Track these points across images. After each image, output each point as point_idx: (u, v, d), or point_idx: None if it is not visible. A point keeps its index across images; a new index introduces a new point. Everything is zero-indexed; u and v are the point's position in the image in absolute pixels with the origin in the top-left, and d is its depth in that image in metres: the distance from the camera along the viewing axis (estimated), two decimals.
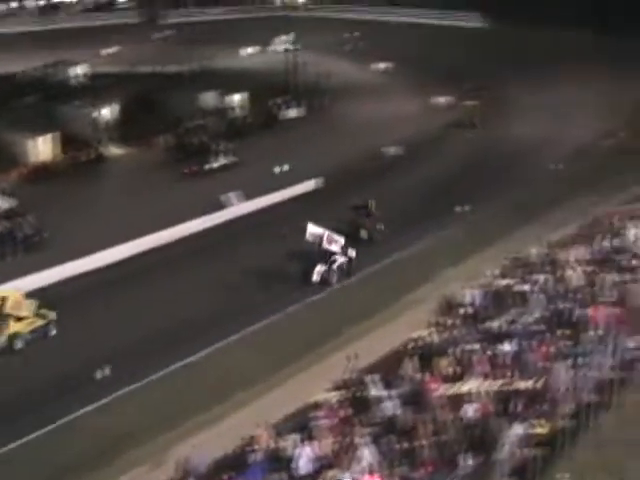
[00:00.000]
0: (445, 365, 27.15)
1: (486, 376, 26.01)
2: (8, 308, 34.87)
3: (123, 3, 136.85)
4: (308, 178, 54.99)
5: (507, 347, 27.48)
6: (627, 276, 30.81)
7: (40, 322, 35.42)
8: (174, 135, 64.27)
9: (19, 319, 34.90)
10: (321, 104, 78.26)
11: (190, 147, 61.39)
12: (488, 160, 60.10)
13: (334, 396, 25.97)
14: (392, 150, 61.75)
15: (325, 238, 40.45)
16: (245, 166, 58.69)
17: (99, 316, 36.31)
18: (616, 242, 36.29)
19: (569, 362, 25.41)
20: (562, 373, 24.57)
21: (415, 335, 30.92)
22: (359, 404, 24.92)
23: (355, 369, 27.67)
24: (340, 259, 40.65)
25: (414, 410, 23.66)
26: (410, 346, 29.65)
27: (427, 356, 28.42)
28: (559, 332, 27.82)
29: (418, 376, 26.41)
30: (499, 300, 33.07)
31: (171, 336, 33.66)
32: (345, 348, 30.93)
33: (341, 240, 41.21)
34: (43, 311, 35.78)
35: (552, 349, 26.43)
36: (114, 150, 63.94)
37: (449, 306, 33.30)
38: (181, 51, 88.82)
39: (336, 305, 35.50)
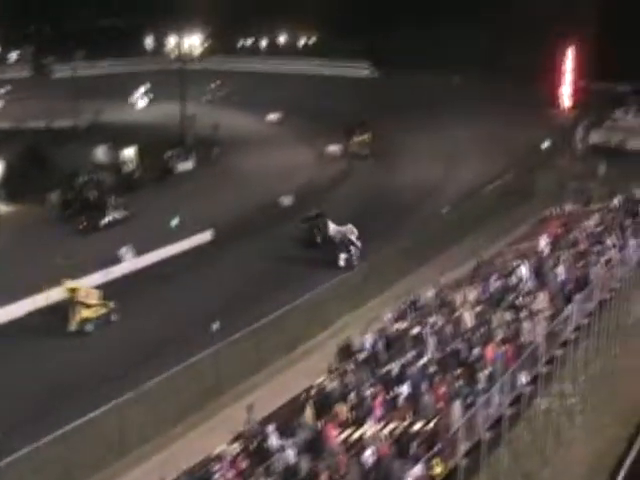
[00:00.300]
0: (344, 411, 27.29)
1: (385, 419, 26.31)
2: (79, 297, 41.81)
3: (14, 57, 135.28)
4: (204, 230, 54.91)
5: (404, 389, 27.85)
6: (518, 314, 31.51)
7: (104, 310, 42.36)
8: (67, 190, 63.25)
9: (88, 306, 41.77)
10: (217, 156, 78.36)
11: (84, 202, 60.50)
12: (380, 205, 61.21)
13: (234, 448, 25.84)
14: (287, 200, 62.13)
15: (348, 230, 51.28)
16: (140, 220, 58.23)
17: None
18: (507, 281, 37.12)
19: (464, 401, 25.92)
20: (458, 412, 25.01)
21: (314, 382, 31.04)
22: (259, 454, 24.84)
23: (254, 419, 27.60)
24: (354, 248, 50.21)
25: (314, 457, 23.70)
26: (309, 393, 29.68)
27: (327, 403, 28.55)
28: (454, 372, 28.31)
29: (318, 423, 26.54)
30: (396, 343, 33.55)
31: (65, 394, 33.71)
32: (245, 397, 31.02)
33: (356, 231, 51.13)
34: (105, 301, 42.55)
35: (448, 389, 26.88)
36: (4, 208, 62.64)
37: (347, 352, 33.49)
38: (72, 105, 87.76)
39: (236, 354, 35.30)
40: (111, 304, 42.62)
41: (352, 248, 50.48)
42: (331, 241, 51.73)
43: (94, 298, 42.61)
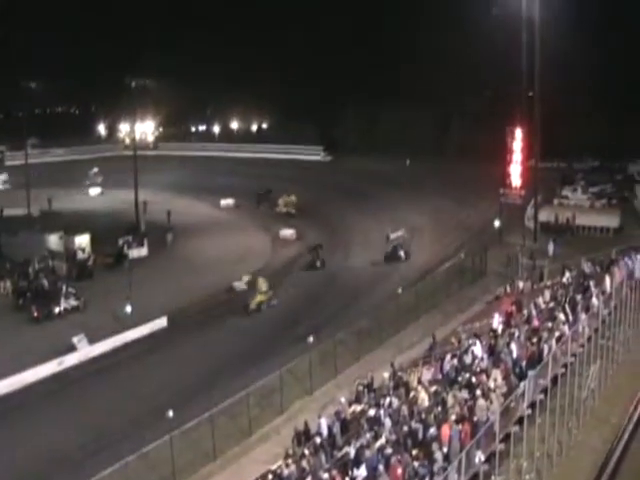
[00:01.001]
0: None
1: None
2: (257, 285, 57.72)
3: None
4: (160, 316, 54.54)
5: (362, 472, 27.75)
6: (473, 392, 31.63)
7: (269, 295, 57.47)
8: (20, 278, 62.66)
9: (262, 293, 57.09)
10: (171, 241, 78.30)
11: (38, 291, 59.89)
12: (334, 288, 61.62)
13: None
14: (243, 285, 62.14)
15: (402, 234, 70.89)
16: (95, 307, 57.69)
17: None
18: (462, 360, 37.28)
19: None
20: None
21: (272, 467, 30.80)
22: None
23: None
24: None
25: None
26: (267, 479, 29.43)
27: None
28: (411, 453, 28.29)
29: None
30: (353, 425, 33.53)
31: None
32: None
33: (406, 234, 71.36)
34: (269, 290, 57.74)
35: (405, 470, 26.82)
36: None
37: (304, 436, 33.34)
38: (26, 193, 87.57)
39: (191, 441, 34.87)
40: (271, 291, 57.58)
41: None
42: (392, 244, 69.39)
43: (265, 287, 57.39)
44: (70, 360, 48.38)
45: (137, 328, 52.80)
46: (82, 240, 69.10)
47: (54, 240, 69.71)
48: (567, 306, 40.07)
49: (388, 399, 34.23)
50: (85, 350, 49.44)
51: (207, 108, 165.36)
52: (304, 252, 69.92)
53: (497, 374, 32.70)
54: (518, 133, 69.47)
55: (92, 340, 49.96)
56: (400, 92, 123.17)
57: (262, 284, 57.50)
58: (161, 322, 54.48)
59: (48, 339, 51.13)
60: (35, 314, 55.58)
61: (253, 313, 56.11)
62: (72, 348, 49.18)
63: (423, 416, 30.91)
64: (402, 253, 68.62)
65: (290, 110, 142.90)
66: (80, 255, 68.06)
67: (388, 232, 71.12)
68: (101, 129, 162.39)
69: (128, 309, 54.44)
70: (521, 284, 54.42)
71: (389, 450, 28.34)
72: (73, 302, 57.77)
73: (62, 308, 56.99)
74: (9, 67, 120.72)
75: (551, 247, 61.83)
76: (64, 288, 58.46)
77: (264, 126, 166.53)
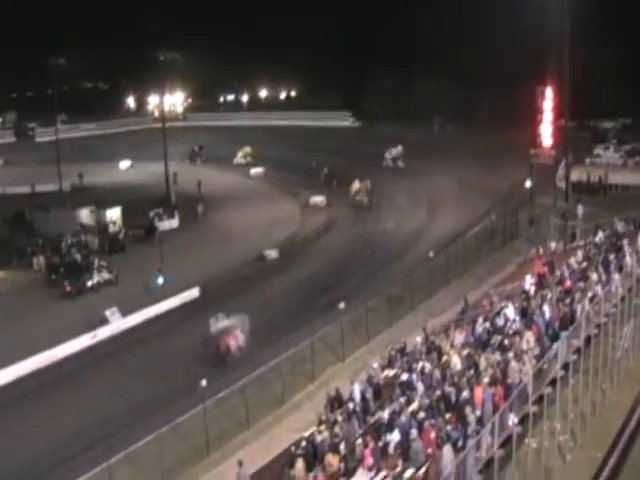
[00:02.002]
0: (336, 461, 27.17)
1: (376, 468, 26.19)
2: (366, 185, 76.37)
3: None
4: (191, 287, 54.71)
5: (394, 437, 27.74)
6: (506, 354, 31.46)
7: None
8: (53, 254, 63.00)
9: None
10: (202, 212, 78.34)
11: (70, 265, 60.20)
12: (366, 252, 61.61)
13: None
14: (273, 253, 62.20)
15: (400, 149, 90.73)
16: (127, 280, 57.95)
17: None
18: (494, 323, 37.09)
19: (455, 445, 25.82)
20: (448, 457, 24.90)
21: (305, 434, 30.84)
22: None
23: (246, 474, 27.42)
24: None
25: None
26: (299, 446, 29.47)
27: (318, 454, 28.42)
28: (444, 416, 28.22)
29: (309, 475, 26.44)
30: (385, 390, 33.53)
31: None
32: (236, 453, 30.86)
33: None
34: None
35: (438, 434, 26.78)
36: None
37: (337, 402, 33.34)
38: (57, 168, 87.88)
39: (224, 411, 35.01)
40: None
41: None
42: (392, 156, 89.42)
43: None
44: (103, 333, 48.83)
45: (169, 299, 53.11)
46: (113, 214, 69.54)
47: (86, 214, 70.10)
48: (600, 266, 39.79)
49: (420, 363, 34.12)
50: (118, 323, 49.81)
51: (234, 79, 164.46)
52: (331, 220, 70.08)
53: (529, 336, 32.49)
54: (548, 92, 68.68)
55: (125, 313, 50.29)
56: (430, 58, 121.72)
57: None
58: (193, 293, 54.71)
59: (81, 313, 51.51)
60: (68, 289, 55.93)
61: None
62: (105, 321, 49.54)
63: (456, 380, 30.79)
64: (401, 163, 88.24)
65: (318, 78, 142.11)
66: (111, 229, 68.55)
67: (391, 148, 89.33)
68: (130, 102, 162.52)
69: (160, 281, 54.59)
70: (553, 245, 53.94)
71: (422, 414, 28.30)
72: (105, 275, 58.12)
73: (95, 282, 57.35)
74: (38, 44, 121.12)
75: (580, 208, 61.11)
76: (96, 262, 58.87)
77: (293, 94, 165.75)
